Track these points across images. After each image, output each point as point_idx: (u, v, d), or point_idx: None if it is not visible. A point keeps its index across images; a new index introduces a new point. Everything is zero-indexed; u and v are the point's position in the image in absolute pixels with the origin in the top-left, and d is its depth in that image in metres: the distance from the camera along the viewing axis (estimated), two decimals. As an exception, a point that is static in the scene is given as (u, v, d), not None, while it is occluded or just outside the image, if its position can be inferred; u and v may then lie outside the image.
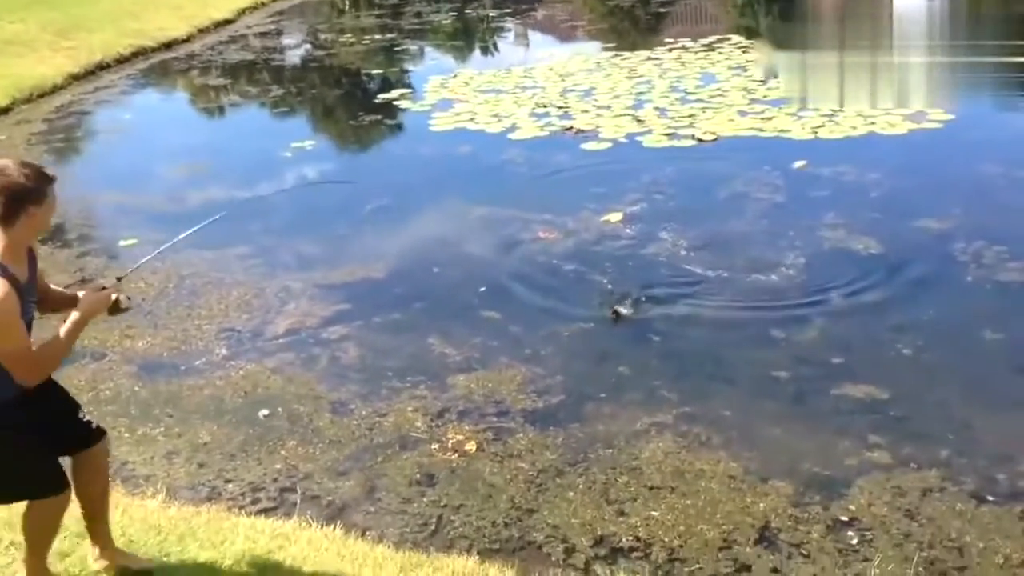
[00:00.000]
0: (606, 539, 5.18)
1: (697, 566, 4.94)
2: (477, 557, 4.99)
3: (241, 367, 7.22)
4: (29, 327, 3.85)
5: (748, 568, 4.91)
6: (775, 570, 4.88)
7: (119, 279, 4.21)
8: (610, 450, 5.96)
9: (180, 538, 4.77)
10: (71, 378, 7.07)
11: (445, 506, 5.52)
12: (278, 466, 5.89)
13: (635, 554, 5.07)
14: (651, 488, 5.58)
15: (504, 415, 6.42)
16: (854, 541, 5.06)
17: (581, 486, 5.63)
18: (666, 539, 5.14)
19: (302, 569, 4.52)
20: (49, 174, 3.77)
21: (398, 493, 5.66)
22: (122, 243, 9.99)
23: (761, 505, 5.37)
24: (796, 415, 6.31)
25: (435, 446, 6.09)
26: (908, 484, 5.47)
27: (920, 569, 4.81)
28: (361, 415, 6.43)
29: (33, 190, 3.67)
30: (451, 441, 6.14)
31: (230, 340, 7.71)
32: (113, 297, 4.08)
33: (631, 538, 5.17)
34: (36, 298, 3.95)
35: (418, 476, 5.78)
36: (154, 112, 17.02)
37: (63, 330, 3.89)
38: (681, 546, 5.09)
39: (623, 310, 6.28)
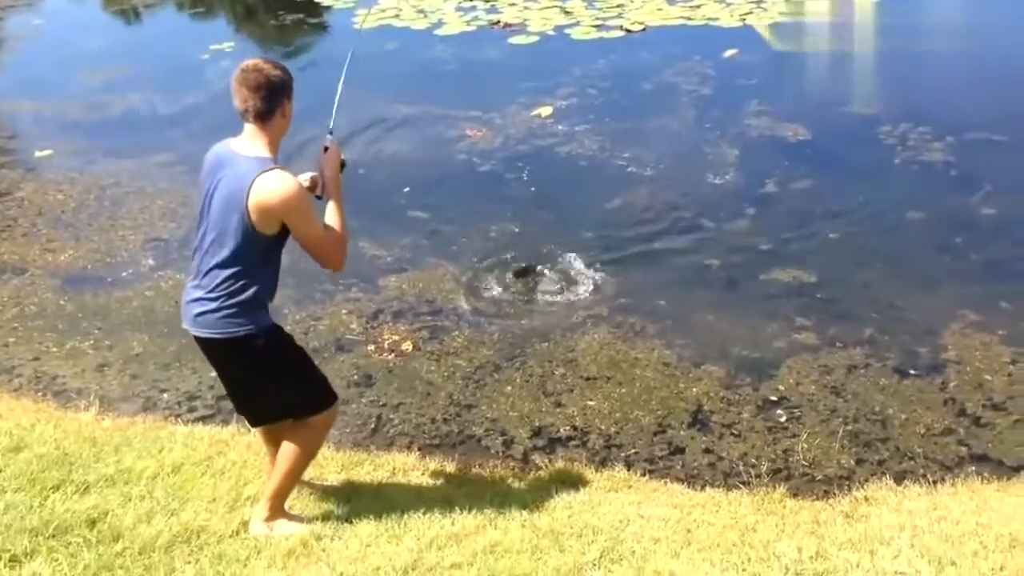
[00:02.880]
0: (544, 430, 5.27)
1: (633, 451, 5.06)
2: (418, 453, 5.04)
3: (170, 277, 7.07)
4: None
5: (682, 450, 5.05)
6: (707, 450, 5.03)
7: (331, 132, 3.91)
8: (546, 344, 6.02)
9: (116, 448, 4.72)
10: (-7, 295, 6.91)
11: (384, 405, 5.55)
12: (213, 374, 5.80)
13: (572, 443, 5.17)
14: (587, 379, 5.67)
15: (438, 314, 6.43)
16: (783, 419, 5.22)
17: (518, 380, 5.70)
18: (602, 427, 5.25)
19: (243, 472, 4.51)
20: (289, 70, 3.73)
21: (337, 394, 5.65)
22: (38, 154, 9.63)
23: (694, 390, 5.50)
24: (727, 302, 6.42)
25: (371, 347, 6.09)
26: (834, 363, 5.64)
27: (845, 442, 4.99)
28: (296, 319, 6.37)
29: (288, 83, 3.67)
30: (387, 342, 6.14)
31: (157, 250, 7.54)
32: (341, 156, 3.88)
33: (568, 428, 5.27)
34: None
35: (356, 377, 5.79)
36: (65, 16, 16.28)
37: (331, 205, 3.76)
38: (617, 433, 5.20)
39: (524, 264, 6.26)
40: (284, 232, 3.70)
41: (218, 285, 3.69)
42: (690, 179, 8.15)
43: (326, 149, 3.83)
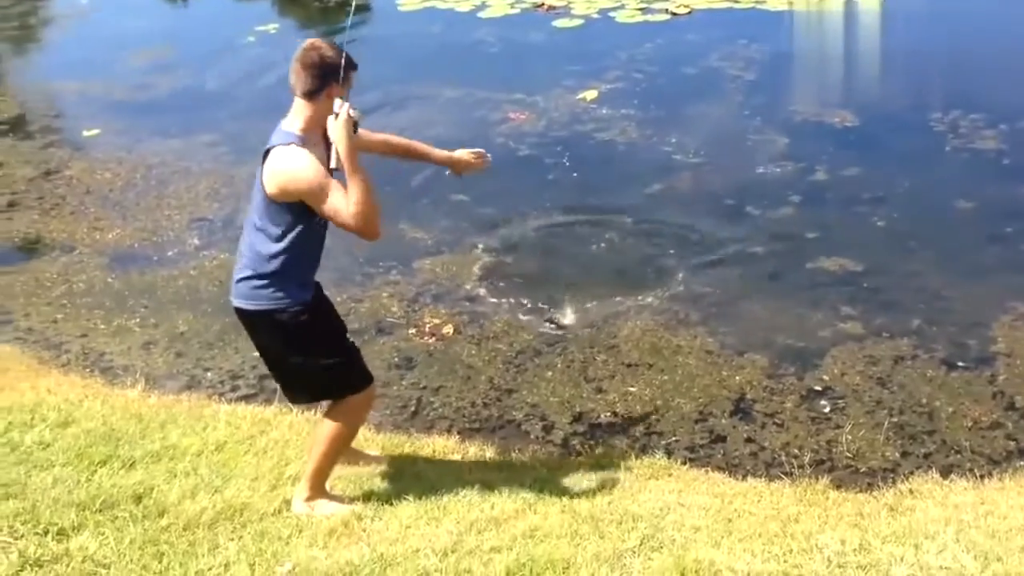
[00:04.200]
0: (584, 416, 5.26)
1: (673, 438, 5.02)
2: (458, 436, 5.05)
3: (215, 257, 7.14)
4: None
5: (723, 439, 5.01)
6: (749, 440, 4.98)
7: (344, 101, 3.83)
8: (588, 329, 6.00)
9: (162, 425, 4.79)
10: (43, 271, 7.03)
11: (424, 388, 5.56)
12: (256, 354, 5.85)
13: (613, 429, 5.15)
14: (629, 365, 5.64)
15: (479, 298, 6.43)
16: (827, 409, 5.16)
17: (559, 365, 5.68)
18: (643, 414, 5.22)
19: (285, 452, 4.55)
20: (354, 61, 3.78)
21: (377, 377, 5.58)
22: (85, 133, 9.76)
23: (737, 378, 5.45)
24: (772, 290, 6.35)
25: (412, 330, 6.11)
26: (880, 353, 5.56)
27: (890, 434, 4.92)
28: (336, 301, 6.27)
29: (337, 68, 3.70)
30: (428, 325, 6.15)
31: (201, 230, 7.61)
32: (351, 113, 3.75)
33: (609, 414, 5.25)
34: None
35: (396, 360, 5.81)
36: (111, -2, 16.43)
37: (347, 172, 3.68)
38: (658, 420, 5.17)
39: (564, 320, 6.01)
40: (307, 207, 3.71)
41: (251, 257, 3.81)
42: (735, 166, 8.06)
43: (337, 116, 3.74)
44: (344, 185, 3.67)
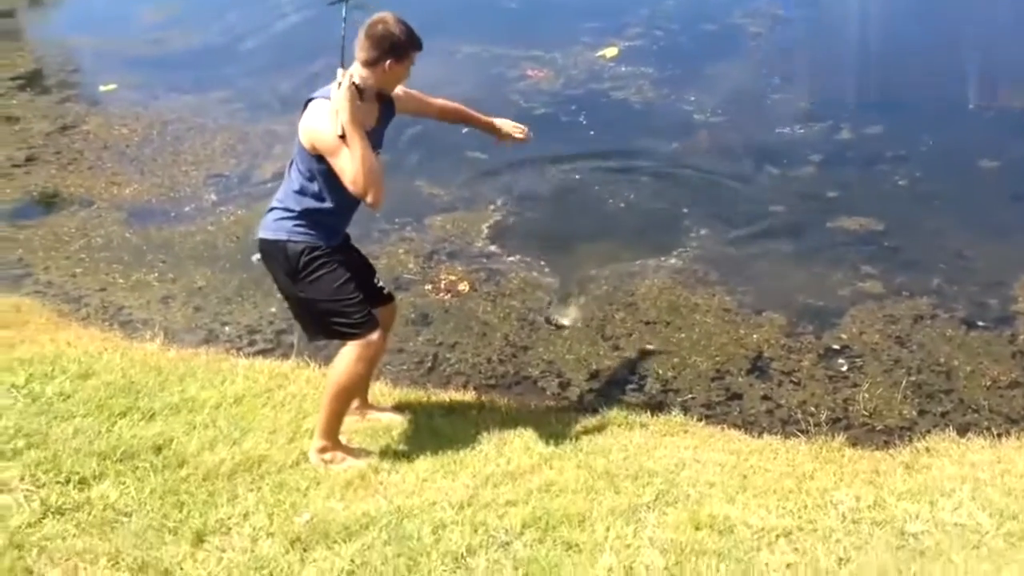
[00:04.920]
0: (601, 373, 5.26)
1: (690, 396, 5.02)
2: (474, 392, 5.06)
3: (231, 213, 7.15)
4: None
5: (739, 396, 5.00)
6: (766, 397, 4.97)
7: (341, 66, 3.87)
8: (605, 287, 5.98)
9: (181, 379, 4.82)
10: (61, 226, 7.05)
11: (440, 344, 5.57)
12: (273, 309, 5.89)
13: (629, 386, 5.14)
14: (646, 323, 5.63)
15: (495, 255, 6.41)
16: (844, 368, 5.14)
17: (577, 323, 5.67)
18: (660, 371, 5.22)
19: (302, 405, 4.58)
20: (419, 40, 3.92)
21: (394, 332, 5.64)
22: (102, 88, 9.73)
23: (754, 336, 5.43)
24: (791, 249, 6.31)
25: (428, 287, 6.10)
26: (900, 312, 5.53)
27: (908, 393, 4.90)
28: (355, 257, 6.39)
29: (400, 45, 3.84)
30: (444, 281, 6.15)
31: (218, 186, 7.61)
32: (353, 81, 3.83)
33: (626, 371, 5.25)
34: (380, 147, 4.01)
35: (413, 316, 5.81)
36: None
37: (348, 140, 3.76)
38: (675, 377, 5.17)
39: (563, 320, 5.85)
40: None
41: (283, 192, 4.01)
42: (755, 124, 7.98)
43: (340, 85, 3.78)
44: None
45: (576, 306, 5.74)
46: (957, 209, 6.55)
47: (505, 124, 4.53)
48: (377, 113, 4.00)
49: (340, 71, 3.81)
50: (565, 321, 5.66)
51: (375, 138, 3.94)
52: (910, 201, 6.70)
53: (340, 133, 3.74)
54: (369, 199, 3.80)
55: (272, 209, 4.02)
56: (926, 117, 7.89)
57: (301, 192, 3.93)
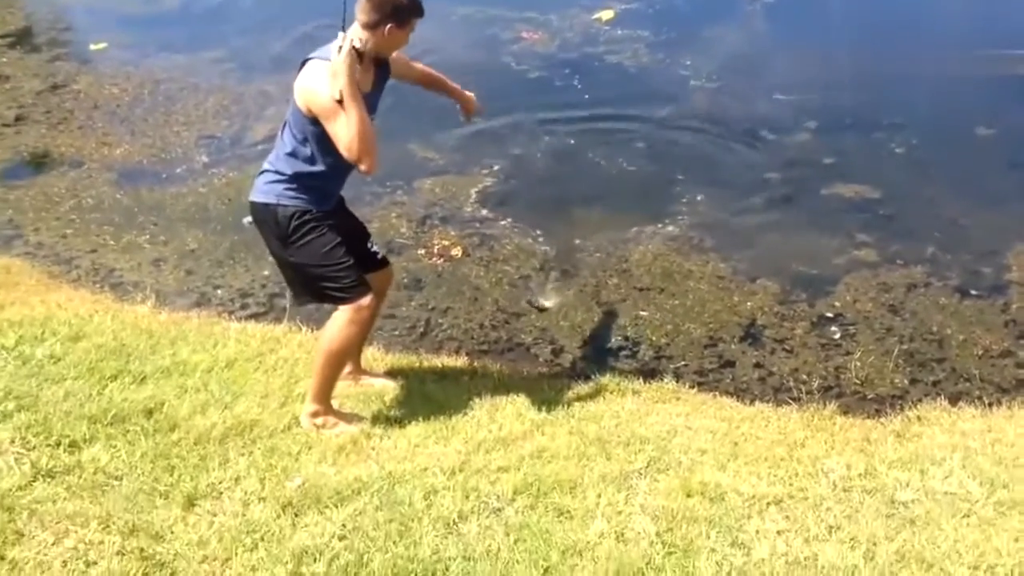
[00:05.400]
0: (593, 339, 5.25)
1: (682, 363, 5.02)
2: (466, 358, 5.05)
3: (223, 175, 7.09)
4: None
5: (732, 364, 5.01)
6: (758, 365, 4.98)
7: (342, 29, 3.81)
8: (599, 254, 5.96)
9: (172, 342, 4.80)
10: (51, 186, 6.99)
11: (433, 309, 5.56)
12: (266, 272, 5.87)
13: (623, 353, 5.14)
14: (640, 289, 5.62)
15: (488, 220, 6.38)
16: (837, 336, 5.14)
17: (570, 289, 5.65)
18: (653, 338, 5.21)
19: (294, 370, 4.57)
20: (421, 6, 3.88)
21: (387, 297, 5.67)
22: (92, 47, 9.61)
23: (748, 304, 5.42)
24: (786, 216, 6.29)
25: (421, 251, 6.08)
26: (893, 281, 5.52)
27: (900, 361, 4.91)
28: (347, 221, 6.35)
29: (402, 10, 3.80)
30: (437, 246, 6.12)
31: (210, 147, 7.54)
32: (353, 45, 3.75)
33: (619, 338, 5.24)
34: (374, 112, 3.92)
35: (405, 281, 5.78)
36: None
37: (345, 105, 3.70)
38: (668, 344, 5.16)
39: (546, 302, 5.74)
40: None
41: (275, 154, 3.98)
42: (751, 90, 7.92)
43: (340, 49, 3.71)
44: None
45: (558, 289, 5.70)
46: (953, 177, 6.53)
47: (471, 96, 4.53)
48: (373, 77, 3.94)
49: (340, 34, 3.73)
50: (548, 304, 5.60)
51: (370, 102, 3.88)
52: (906, 169, 6.67)
53: (338, 98, 3.69)
54: (363, 167, 3.78)
55: (263, 172, 4.00)
56: (922, 83, 7.83)
57: (293, 155, 3.89)
